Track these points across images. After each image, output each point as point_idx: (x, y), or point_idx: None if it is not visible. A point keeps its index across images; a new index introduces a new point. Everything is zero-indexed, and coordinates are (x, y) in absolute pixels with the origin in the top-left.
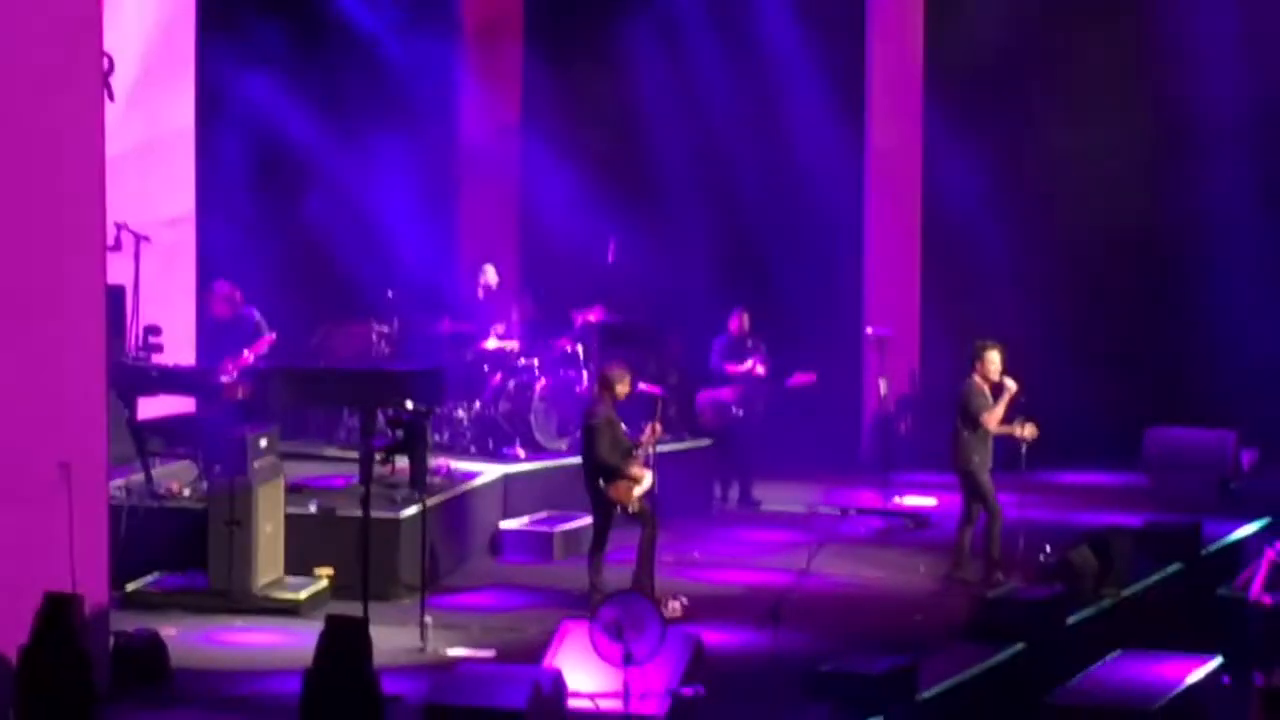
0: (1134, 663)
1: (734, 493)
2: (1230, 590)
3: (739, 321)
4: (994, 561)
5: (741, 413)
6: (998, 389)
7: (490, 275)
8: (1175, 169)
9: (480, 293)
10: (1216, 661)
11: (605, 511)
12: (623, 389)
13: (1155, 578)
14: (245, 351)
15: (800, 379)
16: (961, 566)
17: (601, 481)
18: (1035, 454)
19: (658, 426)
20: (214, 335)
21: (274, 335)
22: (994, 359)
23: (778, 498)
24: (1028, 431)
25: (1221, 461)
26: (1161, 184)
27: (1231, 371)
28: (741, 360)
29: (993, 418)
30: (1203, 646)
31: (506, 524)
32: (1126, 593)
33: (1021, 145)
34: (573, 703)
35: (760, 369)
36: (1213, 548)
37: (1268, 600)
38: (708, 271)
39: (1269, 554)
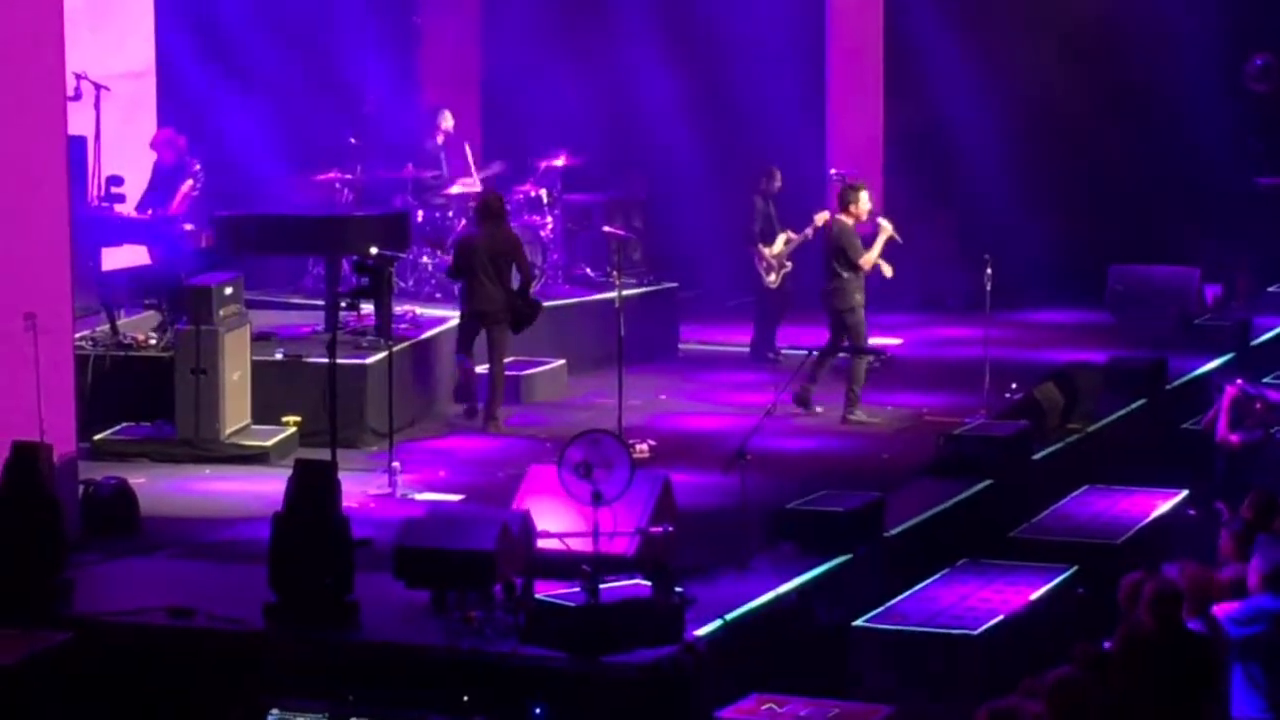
0: (1100, 497)
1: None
2: (1196, 426)
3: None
4: (855, 398)
5: (791, 265)
6: (870, 229)
7: (448, 121)
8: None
9: (440, 138)
10: (1181, 495)
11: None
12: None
13: (1120, 413)
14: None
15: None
16: (852, 405)
17: None
18: (1000, 292)
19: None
20: (159, 180)
21: (197, 186)
22: (865, 199)
23: (744, 340)
24: (887, 270)
25: (1185, 297)
26: (1126, 19)
27: (1195, 208)
28: (770, 221)
29: (868, 260)
30: (1168, 480)
31: None
32: (1092, 428)
33: None
34: (542, 543)
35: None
36: (1177, 383)
37: (1235, 440)
38: (671, 114)
39: (1229, 391)
